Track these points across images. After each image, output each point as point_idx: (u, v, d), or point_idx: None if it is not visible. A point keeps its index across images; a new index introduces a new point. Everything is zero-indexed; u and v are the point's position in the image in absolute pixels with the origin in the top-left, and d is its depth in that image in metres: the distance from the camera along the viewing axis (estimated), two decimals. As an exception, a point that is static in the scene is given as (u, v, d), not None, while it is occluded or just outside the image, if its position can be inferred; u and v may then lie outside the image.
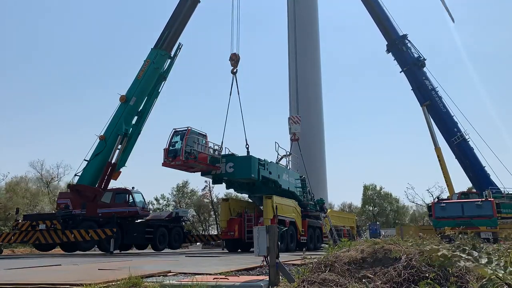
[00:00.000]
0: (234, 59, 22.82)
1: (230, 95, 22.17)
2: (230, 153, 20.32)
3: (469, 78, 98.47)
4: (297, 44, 44.49)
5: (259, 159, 19.95)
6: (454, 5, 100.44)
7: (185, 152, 18.34)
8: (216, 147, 19.97)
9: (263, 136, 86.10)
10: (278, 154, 22.65)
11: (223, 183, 21.39)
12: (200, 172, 20.57)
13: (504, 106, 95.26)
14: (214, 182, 21.87)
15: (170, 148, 19.03)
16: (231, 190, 27.06)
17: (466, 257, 3.83)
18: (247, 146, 21.00)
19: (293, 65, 44.51)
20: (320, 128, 45.47)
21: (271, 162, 21.02)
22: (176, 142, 19.10)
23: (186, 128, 19.00)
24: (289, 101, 45.10)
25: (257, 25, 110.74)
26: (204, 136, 19.77)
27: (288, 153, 24.20)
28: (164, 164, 19.14)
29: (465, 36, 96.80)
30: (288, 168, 24.27)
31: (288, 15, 47.17)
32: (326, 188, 43.97)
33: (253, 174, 19.27)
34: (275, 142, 23.23)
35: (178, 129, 19.35)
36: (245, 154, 20.50)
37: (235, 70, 22.71)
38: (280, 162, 22.73)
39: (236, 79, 22.51)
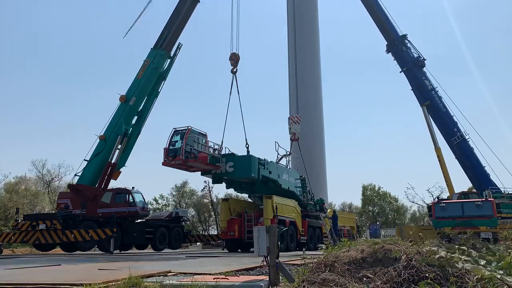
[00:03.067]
0: (234, 59, 22.84)
1: (230, 94, 22.21)
2: (230, 152, 20.33)
3: (471, 75, 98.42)
4: (297, 43, 44.50)
5: (259, 158, 19.96)
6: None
7: (185, 151, 18.35)
8: (216, 147, 19.98)
9: (263, 136, 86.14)
10: (278, 153, 22.68)
11: (223, 182, 21.40)
12: (200, 172, 20.58)
13: (506, 104, 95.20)
14: (214, 182, 21.88)
15: (170, 147, 19.03)
16: (231, 190, 27.10)
17: (465, 258, 3.82)
18: (247, 145, 21.03)
19: (293, 65, 44.53)
20: (320, 128, 45.46)
21: (271, 161, 21.03)
22: (176, 141, 19.10)
23: (186, 128, 19.01)
24: (289, 101, 45.12)
25: (257, 25, 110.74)
26: (204, 135, 19.78)
27: (288, 152, 24.21)
28: (164, 164, 19.15)
29: (466, 33, 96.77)
30: (288, 168, 24.28)
31: (288, 15, 47.17)
32: (326, 188, 43.99)
33: (253, 174, 19.28)
34: (275, 141, 23.25)
35: (178, 129, 19.36)
36: (245, 153, 20.52)
37: (235, 70, 22.73)
38: (280, 162, 22.75)
39: (236, 78, 22.55)
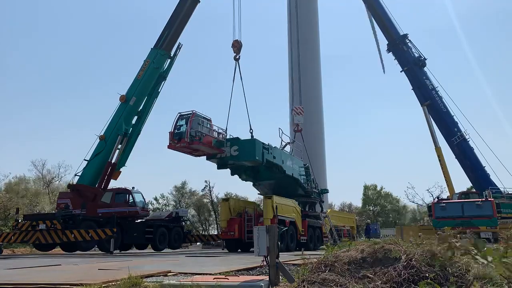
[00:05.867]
0: (237, 46, 22.78)
1: (233, 81, 22.13)
2: (234, 137, 20.37)
3: (472, 74, 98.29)
4: (298, 39, 44.40)
5: (263, 143, 20.01)
6: None
7: (190, 134, 18.35)
8: (220, 131, 20.05)
9: (263, 135, 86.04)
10: (282, 140, 22.61)
11: (228, 168, 21.32)
12: (205, 156, 20.52)
13: (508, 103, 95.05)
14: (219, 167, 21.66)
15: (175, 131, 19.00)
16: (231, 190, 27.08)
17: (466, 256, 3.82)
18: (251, 130, 20.95)
19: (295, 63, 44.44)
20: (320, 128, 45.42)
21: (275, 147, 21.05)
22: (181, 125, 19.07)
23: (191, 112, 19.04)
24: (289, 98, 45.03)
25: (257, 20, 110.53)
26: (209, 120, 19.81)
27: (292, 140, 24.10)
28: (169, 147, 19.12)
29: (467, 32, 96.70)
30: (292, 155, 24.18)
31: (289, 8, 47.02)
32: (326, 187, 43.90)
33: (257, 157, 19.25)
34: (279, 128, 23.14)
35: (183, 113, 19.32)
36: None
37: (237, 57, 22.70)
38: (284, 150, 22.72)
39: (239, 65, 22.54)
